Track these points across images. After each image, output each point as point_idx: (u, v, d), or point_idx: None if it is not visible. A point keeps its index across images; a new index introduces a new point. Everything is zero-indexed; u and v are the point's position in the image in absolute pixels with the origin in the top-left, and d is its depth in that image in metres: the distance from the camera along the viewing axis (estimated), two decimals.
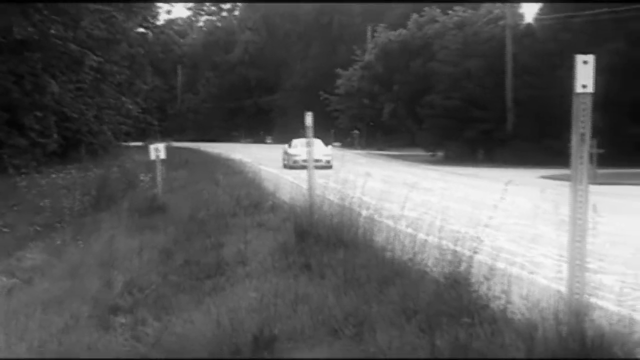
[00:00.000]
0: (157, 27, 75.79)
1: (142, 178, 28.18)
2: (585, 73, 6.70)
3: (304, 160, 39.02)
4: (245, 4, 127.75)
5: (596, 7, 53.37)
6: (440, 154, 68.37)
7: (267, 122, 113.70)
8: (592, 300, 6.86)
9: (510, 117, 61.61)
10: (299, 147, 48.98)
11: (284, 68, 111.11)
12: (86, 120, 50.91)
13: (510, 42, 61.22)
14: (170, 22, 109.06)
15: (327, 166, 38.96)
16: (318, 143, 46.83)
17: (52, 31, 41.43)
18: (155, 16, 72.79)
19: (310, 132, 17.07)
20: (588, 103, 6.75)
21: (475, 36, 63.83)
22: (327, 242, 12.97)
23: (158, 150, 25.33)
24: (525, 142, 58.02)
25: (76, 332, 9.87)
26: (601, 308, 6.97)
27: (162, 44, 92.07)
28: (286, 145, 53.75)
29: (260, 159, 46.25)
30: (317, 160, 39.32)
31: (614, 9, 52.27)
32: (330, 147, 51.00)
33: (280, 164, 51.70)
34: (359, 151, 68.36)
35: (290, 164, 47.86)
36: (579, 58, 6.75)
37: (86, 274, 13.64)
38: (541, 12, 63.16)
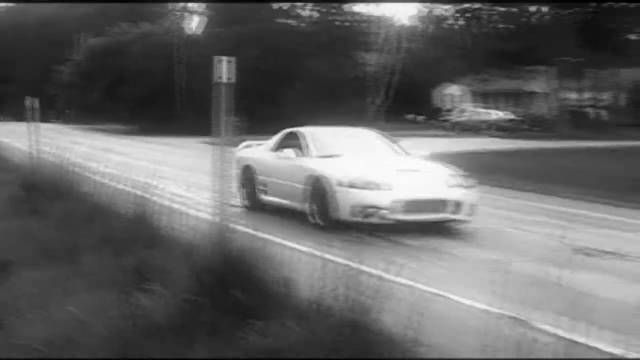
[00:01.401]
0: None
1: None
2: (224, 69, 6.83)
3: (407, 209, 10.52)
4: None
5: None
6: (135, 127, 67.30)
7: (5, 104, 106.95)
8: (234, 226, 6.96)
9: (180, 101, 62.50)
10: (353, 161, 11.36)
11: (17, 64, 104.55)
12: None
13: (181, 47, 62.14)
14: None
15: (461, 220, 11.01)
16: (379, 144, 12.97)
17: None
18: None
19: (32, 114, 16.02)
20: (226, 90, 6.88)
21: (158, 41, 63.97)
22: (49, 192, 12.45)
23: None
24: (193, 118, 58.62)
25: None
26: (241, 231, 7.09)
27: None
28: (287, 152, 12.35)
29: None
30: (430, 205, 10.70)
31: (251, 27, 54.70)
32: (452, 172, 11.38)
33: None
34: (73, 126, 66.13)
35: (347, 216, 10.33)
36: (221, 58, 6.87)
37: None
38: (206, 25, 65.38)
